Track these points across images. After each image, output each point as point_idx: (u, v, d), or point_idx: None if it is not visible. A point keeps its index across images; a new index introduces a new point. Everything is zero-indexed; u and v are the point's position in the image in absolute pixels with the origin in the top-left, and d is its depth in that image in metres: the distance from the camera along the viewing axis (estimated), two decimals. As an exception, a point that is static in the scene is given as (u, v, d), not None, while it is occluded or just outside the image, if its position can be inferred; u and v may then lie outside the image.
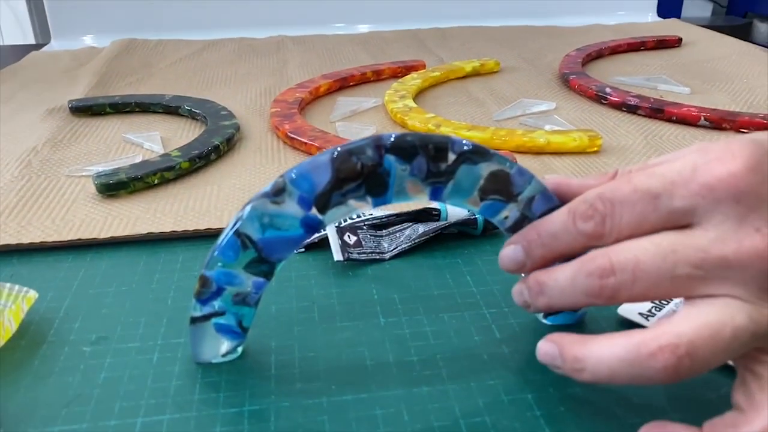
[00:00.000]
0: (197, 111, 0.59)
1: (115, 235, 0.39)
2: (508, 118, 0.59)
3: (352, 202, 0.27)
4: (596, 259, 0.24)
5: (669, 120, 0.57)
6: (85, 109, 0.61)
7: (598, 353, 0.23)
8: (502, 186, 0.27)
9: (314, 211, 0.26)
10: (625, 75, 0.71)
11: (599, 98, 0.62)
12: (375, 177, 0.26)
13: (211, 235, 0.40)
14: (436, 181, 0.27)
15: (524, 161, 0.49)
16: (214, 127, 0.54)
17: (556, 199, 0.28)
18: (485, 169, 0.27)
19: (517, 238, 0.27)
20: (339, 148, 0.26)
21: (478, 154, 0.27)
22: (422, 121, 0.55)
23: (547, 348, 0.25)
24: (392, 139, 0.26)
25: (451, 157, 0.26)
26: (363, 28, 1.01)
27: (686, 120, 0.56)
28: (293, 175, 0.26)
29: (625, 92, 0.61)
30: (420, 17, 0.99)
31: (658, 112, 0.57)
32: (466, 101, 0.64)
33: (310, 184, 0.26)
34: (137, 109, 0.62)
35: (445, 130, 0.53)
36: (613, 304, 0.24)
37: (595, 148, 0.50)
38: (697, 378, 0.27)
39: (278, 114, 0.57)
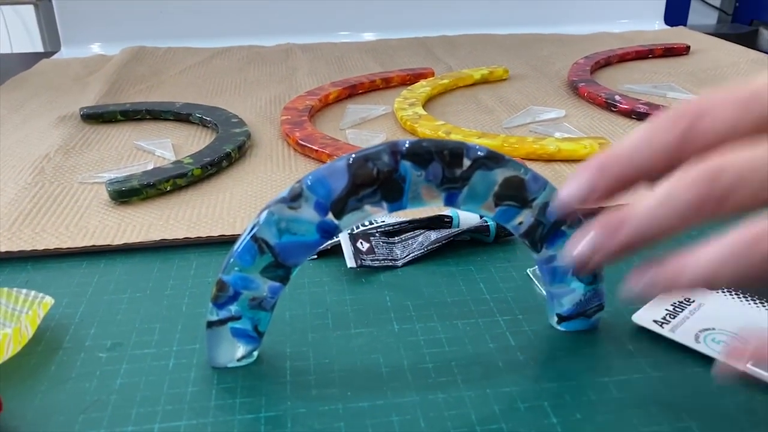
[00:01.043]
0: (208, 118, 0.59)
1: (128, 242, 0.39)
2: (518, 125, 0.59)
3: (367, 208, 0.27)
4: (695, 168, 0.21)
5: None
6: (96, 117, 0.62)
7: (697, 257, 0.21)
8: (516, 192, 0.27)
9: (330, 216, 0.27)
10: (634, 83, 0.71)
11: (609, 106, 0.62)
12: (390, 182, 0.26)
13: (224, 241, 0.40)
14: (451, 187, 0.27)
15: (535, 168, 0.48)
16: (225, 135, 0.54)
17: (570, 206, 0.28)
18: (500, 174, 0.27)
19: (585, 164, 0.23)
20: (355, 154, 0.26)
21: (492, 159, 0.27)
22: (432, 129, 0.55)
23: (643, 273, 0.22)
24: (408, 145, 0.26)
25: (466, 162, 0.27)
26: (370, 36, 1.01)
27: None
28: (310, 181, 0.26)
29: (635, 100, 0.61)
30: (427, 25, 1.00)
31: None
32: (475, 109, 0.64)
33: (326, 190, 0.26)
34: (148, 117, 0.62)
35: (456, 138, 0.53)
36: (719, 214, 0.21)
37: (606, 155, 0.50)
38: (716, 386, 0.27)
39: (288, 121, 0.57)
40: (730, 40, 0.90)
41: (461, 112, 0.64)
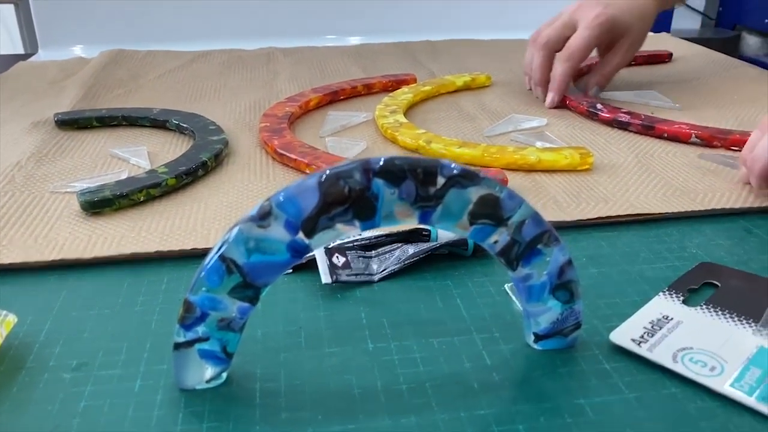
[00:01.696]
0: (185, 125, 0.58)
1: (98, 256, 0.38)
2: (500, 134, 0.59)
3: (339, 226, 0.26)
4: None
5: (660, 137, 0.57)
6: (71, 123, 0.61)
7: None
8: (491, 210, 0.27)
9: (301, 235, 0.26)
10: (616, 90, 0.71)
11: (590, 114, 0.62)
12: (363, 201, 0.26)
13: (197, 255, 0.39)
14: (425, 205, 0.26)
15: (515, 179, 0.48)
16: (202, 142, 0.53)
17: (546, 224, 0.28)
18: (474, 193, 0.26)
19: None
20: (327, 172, 0.25)
21: (467, 177, 0.26)
22: (413, 137, 0.55)
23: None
24: (381, 163, 0.26)
25: (440, 180, 0.26)
26: (353, 41, 1.00)
27: (677, 137, 0.56)
28: (280, 199, 0.25)
29: (617, 108, 0.61)
30: (411, 30, 0.99)
31: (649, 128, 0.57)
32: (457, 116, 0.64)
33: (296, 208, 0.25)
34: (124, 123, 0.61)
35: (436, 147, 0.53)
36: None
37: (587, 166, 0.50)
38: (695, 408, 0.27)
39: (267, 129, 0.57)
40: (713, 45, 0.91)
41: (443, 120, 0.63)
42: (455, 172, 0.26)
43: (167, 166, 0.48)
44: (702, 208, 0.44)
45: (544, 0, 0.98)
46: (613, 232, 0.42)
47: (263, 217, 0.25)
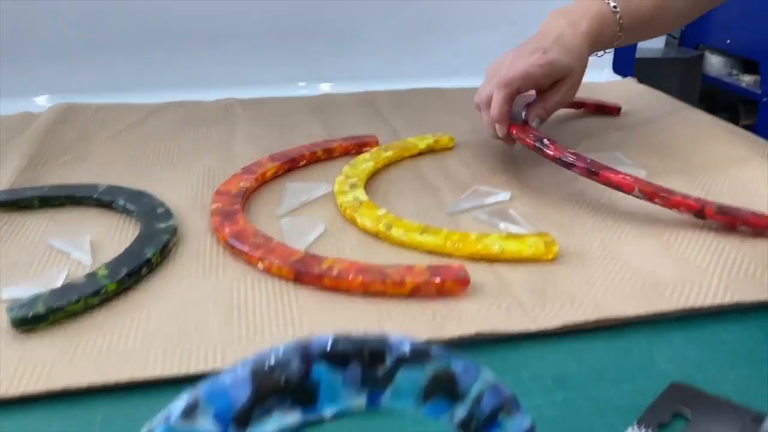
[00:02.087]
0: (131, 208, 0.55)
1: (25, 393, 0.35)
2: (462, 210, 0.57)
3: (277, 415, 0.24)
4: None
5: (604, 183, 0.55)
6: (10, 204, 0.57)
7: None
8: (446, 386, 0.25)
9: (233, 428, 0.23)
10: (577, 149, 0.69)
11: (537, 149, 0.59)
12: (302, 389, 0.23)
13: (134, 385, 0.36)
14: (373, 388, 0.24)
15: (477, 272, 0.46)
16: (148, 231, 0.50)
17: (506, 392, 0.26)
18: (427, 370, 0.24)
19: None
20: (262, 364, 0.23)
21: (418, 355, 0.24)
22: (373, 220, 0.52)
23: None
24: (322, 348, 0.23)
25: (389, 361, 0.24)
26: (318, 89, 0.98)
27: (621, 187, 0.53)
28: (207, 391, 0.23)
29: (563, 147, 0.58)
30: (374, 78, 0.97)
31: (594, 174, 0.55)
32: (419, 188, 0.62)
33: (226, 401, 0.23)
34: (68, 202, 0.58)
35: (397, 233, 0.50)
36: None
37: (551, 256, 0.48)
38: None
39: (219, 211, 0.54)
40: (677, 64, 0.90)
41: (404, 192, 0.61)
42: (405, 351, 0.24)
43: (108, 266, 0.45)
44: (672, 309, 0.43)
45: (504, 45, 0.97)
46: (579, 343, 0.40)
47: (189, 411, 0.23)
